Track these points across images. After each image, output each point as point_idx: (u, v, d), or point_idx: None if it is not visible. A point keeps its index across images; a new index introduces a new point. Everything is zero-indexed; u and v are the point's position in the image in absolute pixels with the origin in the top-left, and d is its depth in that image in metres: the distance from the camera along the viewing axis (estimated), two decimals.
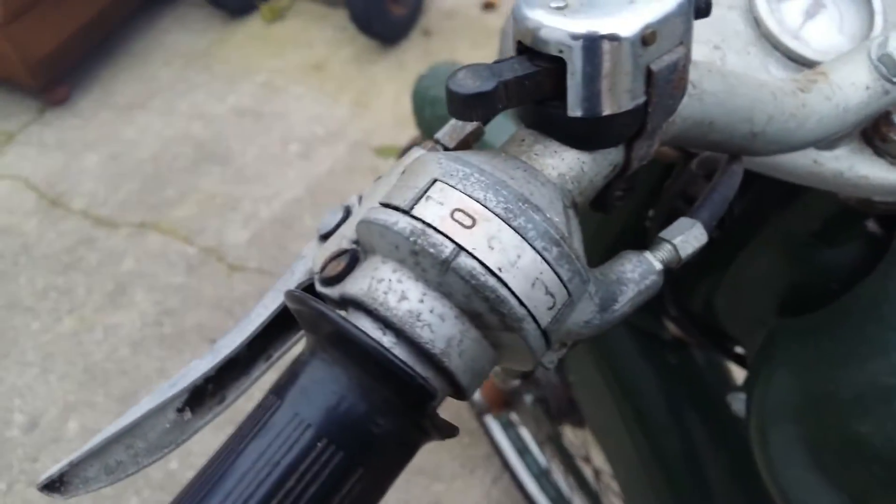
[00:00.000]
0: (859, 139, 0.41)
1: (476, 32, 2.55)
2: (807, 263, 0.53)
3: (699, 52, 0.40)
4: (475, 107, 0.24)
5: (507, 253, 0.24)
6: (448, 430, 0.26)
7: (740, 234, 0.58)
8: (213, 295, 1.94)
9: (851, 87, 0.35)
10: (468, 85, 0.24)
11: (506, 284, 0.24)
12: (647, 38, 0.25)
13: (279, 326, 0.31)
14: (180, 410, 0.29)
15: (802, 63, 0.41)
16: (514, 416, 1.44)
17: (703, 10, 0.27)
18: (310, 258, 0.30)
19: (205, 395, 0.29)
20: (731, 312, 0.63)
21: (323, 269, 0.27)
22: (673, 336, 0.72)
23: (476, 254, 0.24)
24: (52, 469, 0.28)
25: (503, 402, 1.15)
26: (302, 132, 2.33)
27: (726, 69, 0.32)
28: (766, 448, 0.52)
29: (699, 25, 0.42)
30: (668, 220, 0.59)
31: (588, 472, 1.22)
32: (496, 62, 0.25)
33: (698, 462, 0.78)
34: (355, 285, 0.26)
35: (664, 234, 0.32)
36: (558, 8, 0.25)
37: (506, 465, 1.46)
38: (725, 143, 0.33)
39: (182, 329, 1.88)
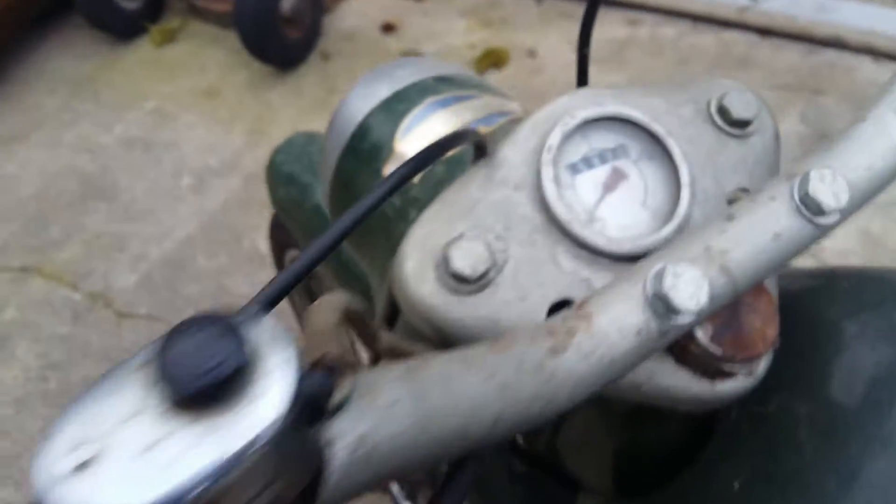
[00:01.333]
0: (669, 347, 0.37)
1: (376, 55, 2.50)
2: (628, 441, 0.51)
3: (477, 246, 0.36)
4: None
5: None
6: None
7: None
8: (100, 346, 1.84)
9: (619, 335, 0.29)
10: None
11: None
12: None
13: None
14: None
15: (595, 252, 0.37)
16: None
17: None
18: None
19: None
20: (572, 464, 0.60)
21: None
22: (523, 470, 0.70)
23: None
24: None
25: None
26: (194, 164, 2.24)
27: (430, 383, 0.27)
28: None
29: (483, 210, 0.39)
30: None
31: None
32: None
33: None
34: None
35: None
36: (78, 466, 0.20)
37: None
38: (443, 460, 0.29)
39: (68, 384, 1.78)
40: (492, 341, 0.29)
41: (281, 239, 1.16)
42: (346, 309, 0.34)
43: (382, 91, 0.59)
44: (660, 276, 0.30)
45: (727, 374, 0.37)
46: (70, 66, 2.61)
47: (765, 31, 2.32)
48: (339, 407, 0.25)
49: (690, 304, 0.29)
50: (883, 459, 0.34)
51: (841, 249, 1.73)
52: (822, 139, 2.04)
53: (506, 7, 2.65)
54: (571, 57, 2.47)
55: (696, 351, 0.36)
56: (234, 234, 2.04)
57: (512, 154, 0.40)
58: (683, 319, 0.29)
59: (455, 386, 0.27)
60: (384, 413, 0.26)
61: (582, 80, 0.52)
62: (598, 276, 0.37)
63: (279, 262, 1.25)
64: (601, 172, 0.40)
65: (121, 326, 1.88)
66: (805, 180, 0.32)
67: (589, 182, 0.39)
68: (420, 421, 0.26)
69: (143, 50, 2.64)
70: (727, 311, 0.36)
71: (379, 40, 2.56)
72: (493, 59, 2.37)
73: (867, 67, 2.21)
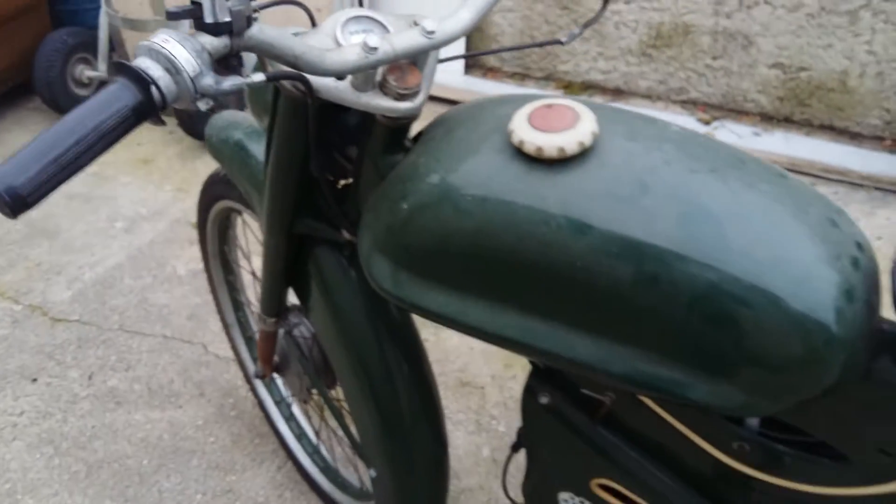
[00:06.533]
0: (378, 86, 0.86)
1: None
2: (382, 162, 0.97)
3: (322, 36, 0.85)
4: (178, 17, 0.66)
5: (180, 49, 0.63)
6: (160, 120, 0.67)
7: (361, 161, 1.02)
8: (35, 343, 2.17)
9: (350, 54, 0.76)
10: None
11: (177, 60, 0.63)
12: None
13: None
14: None
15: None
16: (296, 409, 1.78)
17: None
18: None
19: None
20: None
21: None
22: (347, 240, 1.12)
23: (167, 46, 0.62)
24: None
25: (272, 367, 1.49)
26: (127, 212, 2.66)
27: (287, 32, 0.76)
28: (369, 261, 0.94)
29: (316, 36, 0.88)
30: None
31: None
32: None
33: (389, 369, 1.16)
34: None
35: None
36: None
37: (289, 454, 1.79)
38: (285, 62, 0.77)
39: (4, 372, 2.09)
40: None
41: (213, 193, 1.58)
42: None
43: None
44: (367, 38, 0.79)
45: (403, 98, 0.84)
46: (24, 138, 3.05)
47: None
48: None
49: (379, 47, 0.78)
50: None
51: None
52: None
53: None
54: None
55: (388, 85, 0.82)
56: (158, 262, 2.44)
57: (327, 25, 0.86)
58: (375, 54, 0.76)
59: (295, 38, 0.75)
60: (265, 30, 0.71)
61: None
62: None
63: (203, 217, 1.67)
64: (361, 34, 0.86)
65: (55, 328, 2.22)
66: (423, 20, 0.84)
67: (356, 36, 0.86)
68: (279, 36, 0.72)
69: None
70: (399, 71, 0.84)
71: None
72: None
73: None
